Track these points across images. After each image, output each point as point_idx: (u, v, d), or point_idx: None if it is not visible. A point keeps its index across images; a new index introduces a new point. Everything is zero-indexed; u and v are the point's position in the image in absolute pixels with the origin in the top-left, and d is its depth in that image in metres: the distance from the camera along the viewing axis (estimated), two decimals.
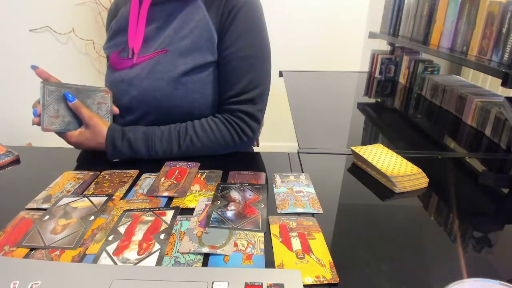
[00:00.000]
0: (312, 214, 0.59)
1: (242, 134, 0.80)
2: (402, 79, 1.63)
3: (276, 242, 0.52)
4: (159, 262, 0.48)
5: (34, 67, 0.72)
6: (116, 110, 0.82)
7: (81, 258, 0.48)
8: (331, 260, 0.48)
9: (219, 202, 0.62)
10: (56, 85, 0.73)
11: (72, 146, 0.78)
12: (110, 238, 0.52)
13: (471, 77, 1.63)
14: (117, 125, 0.77)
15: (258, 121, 0.81)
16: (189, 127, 0.78)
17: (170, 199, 0.63)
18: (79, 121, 0.76)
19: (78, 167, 0.75)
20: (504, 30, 0.94)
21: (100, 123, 0.75)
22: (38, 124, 0.73)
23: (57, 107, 0.73)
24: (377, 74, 1.73)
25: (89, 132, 0.75)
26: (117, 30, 0.85)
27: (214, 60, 0.79)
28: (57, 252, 0.50)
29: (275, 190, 0.66)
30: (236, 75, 0.78)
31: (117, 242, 0.51)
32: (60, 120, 0.74)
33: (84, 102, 0.76)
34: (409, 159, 0.74)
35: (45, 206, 0.60)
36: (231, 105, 0.79)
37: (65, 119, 0.74)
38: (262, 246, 0.51)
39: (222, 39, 0.78)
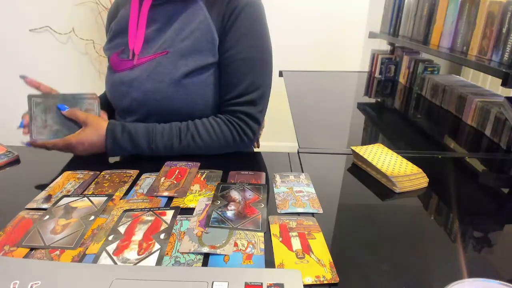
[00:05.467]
0: (312, 214, 0.59)
1: (243, 135, 0.80)
2: (402, 79, 1.63)
3: (276, 242, 0.52)
4: (159, 262, 0.48)
5: (23, 77, 0.73)
6: (104, 116, 0.81)
7: (81, 258, 0.48)
8: (331, 260, 0.48)
9: (219, 202, 0.62)
10: (42, 96, 0.74)
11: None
12: (110, 238, 0.52)
13: (471, 77, 1.63)
14: (117, 121, 0.77)
15: (259, 122, 0.81)
16: (190, 124, 0.78)
17: (170, 199, 0.63)
18: (67, 129, 0.75)
19: (78, 167, 0.75)
20: (504, 30, 0.94)
21: (99, 118, 0.76)
22: (27, 134, 0.74)
23: (44, 117, 0.74)
24: (377, 74, 1.73)
25: (89, 129, 0.74)
26: (117, 31, 0.85)
27: (215, 61, 0.79)
28: (57, 252, 0.50)
29: (275, 190, 0.66)
30: (238, 77, 0.78)
31: (117, 242, 0.51)
32: (48, 130, 0.74)
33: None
34: (409, 159, 0.74)
35: (45, 206, 0.60)
36: (232, 106, 0.79)
37: (53, 128, 0.75)
38: (262, 246, 0.51)
39: (224, 40, 0.78)
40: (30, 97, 0.73)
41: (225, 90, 0.80)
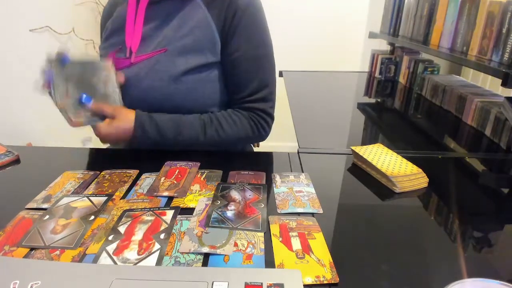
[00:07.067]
0: (312, 214, 0.59)
1: (261, 129, 0.84)
2: (402, 79, 1.63)
3: (276, 242, 0.52)
4: (159, 262, 0.48)
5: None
6: (121, 78, 0.79)
7: (81, 258, 0.48)
8: (331, 260, 0.48)
9: (219, 202, 0.62)
10: (60, 65, 0.74)
11: (74, 146, 0.78)
12: (110, 238, 0.52)
13: (471, 77, 1.63)
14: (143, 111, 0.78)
15: (272, 117, 0.86)
16: (213, 117, 0.80)
17: (170, 199, 0.63)
18: (88, 93, 0.75)
19: (78, 167, 0.75)
20: (504, 30, 0.94)
21: (126, 110, 0.77)
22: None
23: (66, 86, 0.74)
24: (377, 74, 1.73)
25: (117, 121, 0.75)
26: (113, 30, 0.84)
27: (214, 60, 0.79)
28: (57, 252, 0.50)
29: (275, 190, 0.66)
30: (246, 77, 0.81)
31: (117, 242, 0.51)
32: (70, 100, 0.74)
33: (90, 80, 0.76)
34: (409, 159, 0.74)
35: (45, 206, 0.60)
36: (246, 104, 0.83)
37: (75, 96, 0.75)
38: (262, 246, 0.51)
39: (229, 42, 0.79)
40: (50, 63, 0.73)
41: (236, 90, 0.83)
